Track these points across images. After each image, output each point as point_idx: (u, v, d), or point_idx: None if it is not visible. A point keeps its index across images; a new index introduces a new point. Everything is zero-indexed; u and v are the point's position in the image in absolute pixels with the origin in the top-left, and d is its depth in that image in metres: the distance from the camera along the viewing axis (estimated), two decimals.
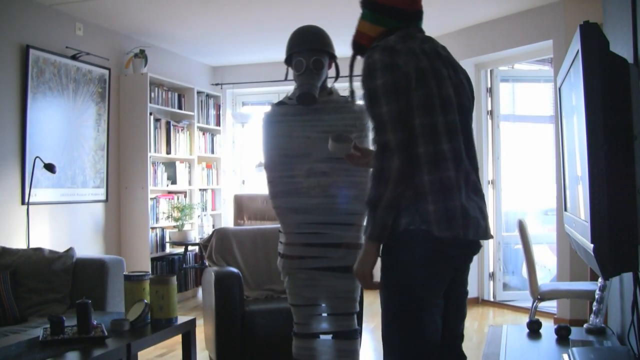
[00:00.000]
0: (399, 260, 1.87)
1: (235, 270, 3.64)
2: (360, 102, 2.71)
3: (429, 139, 1.84)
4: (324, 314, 2.73)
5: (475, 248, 1.96)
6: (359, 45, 2.05)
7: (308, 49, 2.65)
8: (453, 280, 1.96)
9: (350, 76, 2.15)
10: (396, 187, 1.81)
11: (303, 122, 2.68)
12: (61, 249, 3.99)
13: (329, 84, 2.80)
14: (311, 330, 2.71)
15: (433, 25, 5.86)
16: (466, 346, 2.46)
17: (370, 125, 2.67)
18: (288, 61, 2.76)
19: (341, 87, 2.75)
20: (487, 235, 1.95)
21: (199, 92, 6.78)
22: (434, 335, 1.89)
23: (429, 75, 1.87)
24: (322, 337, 2.71)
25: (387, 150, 1.82)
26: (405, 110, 1.83)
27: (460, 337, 2.07)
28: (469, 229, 1.85)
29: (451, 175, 1.84)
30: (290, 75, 2.81)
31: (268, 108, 2.82)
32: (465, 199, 1.86)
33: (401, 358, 1.88)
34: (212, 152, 7.14)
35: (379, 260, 1.90)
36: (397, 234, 1.85)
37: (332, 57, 2.75)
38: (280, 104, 2.79)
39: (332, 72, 2.84)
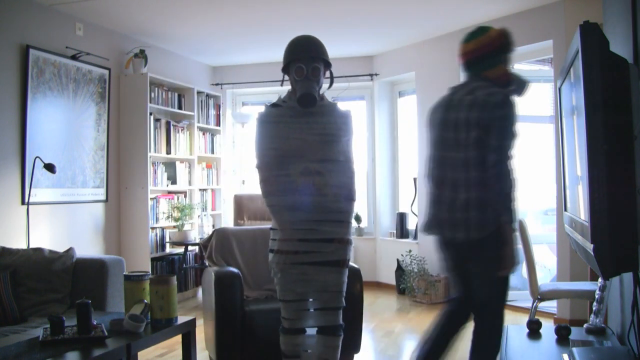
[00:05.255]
0: None
1: (235, 270, 3.64)
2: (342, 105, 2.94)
3: None
4: (312, 310, 2.83)
5: None
6: None
7: (308, 56, 2.78)
8: None
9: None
10: None
11: (300, 125, 2.79)
12: (61, 249, 3.98)
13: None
14: (300, 326, 2.84)
15: (433, 25, 5.86)
16: (466, 346, 2.46)
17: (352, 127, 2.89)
18: (285, 69, 2.87)
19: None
20: None
21: (199, 92, 6.78)
22: None
23: None
24: (308, 332, 2.86)
25: None
26: None
27: None
28: None
29: None
30: (286, 83, 2.94)
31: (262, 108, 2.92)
32: None
33: None
34: (212, 152, 7.14)
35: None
36: None
37: (327, 65, 2.86)
38: (274, 105, 2.89)
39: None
